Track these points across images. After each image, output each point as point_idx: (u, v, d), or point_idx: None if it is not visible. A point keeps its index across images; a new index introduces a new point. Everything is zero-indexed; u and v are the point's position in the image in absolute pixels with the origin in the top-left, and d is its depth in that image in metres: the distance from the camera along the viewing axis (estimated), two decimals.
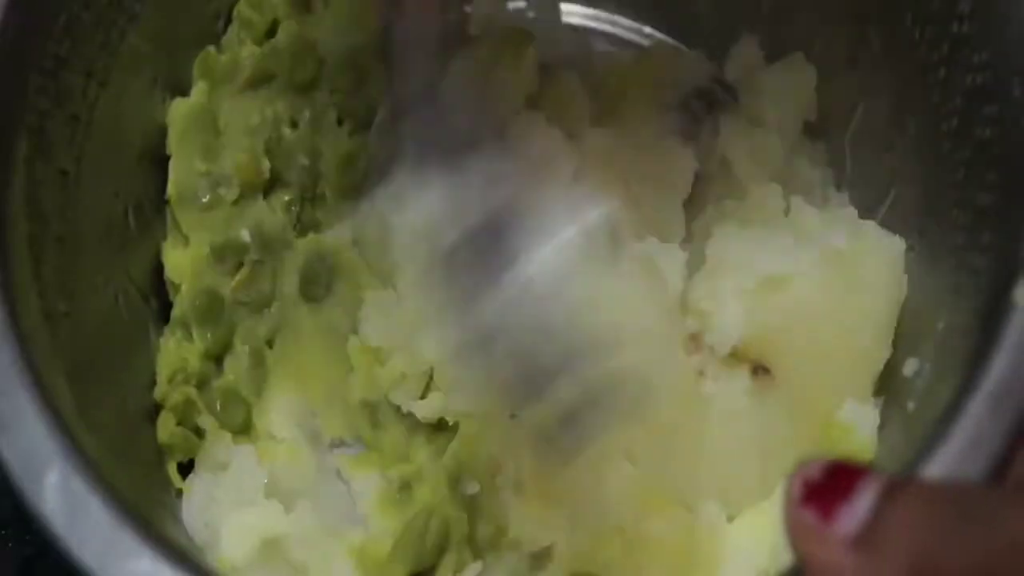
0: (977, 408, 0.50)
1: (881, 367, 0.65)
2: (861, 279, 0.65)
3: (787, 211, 0.69)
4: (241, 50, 0.71)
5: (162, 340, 0.70)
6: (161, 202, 0.71)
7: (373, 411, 0.69)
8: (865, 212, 0.69)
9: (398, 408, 0.69)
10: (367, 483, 0.68)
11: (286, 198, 0.72)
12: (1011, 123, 0.56)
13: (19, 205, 0.58)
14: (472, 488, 0.65)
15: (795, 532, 0.42)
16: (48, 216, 0.61)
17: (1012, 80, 0.56)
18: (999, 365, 0.51)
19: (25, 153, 0.59)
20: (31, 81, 0.60)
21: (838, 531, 0.41)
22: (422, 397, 0.69)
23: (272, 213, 0.71)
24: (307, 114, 0.72)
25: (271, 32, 0.73)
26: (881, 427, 0.63)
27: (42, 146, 0.61)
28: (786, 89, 0.73)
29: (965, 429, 0.50)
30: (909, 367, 0.62)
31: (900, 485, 0.41)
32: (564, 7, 0.80)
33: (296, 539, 0.64)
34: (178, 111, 0.71)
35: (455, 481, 0.65)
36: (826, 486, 0.42)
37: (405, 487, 0.67)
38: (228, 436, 0.69)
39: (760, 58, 0.75)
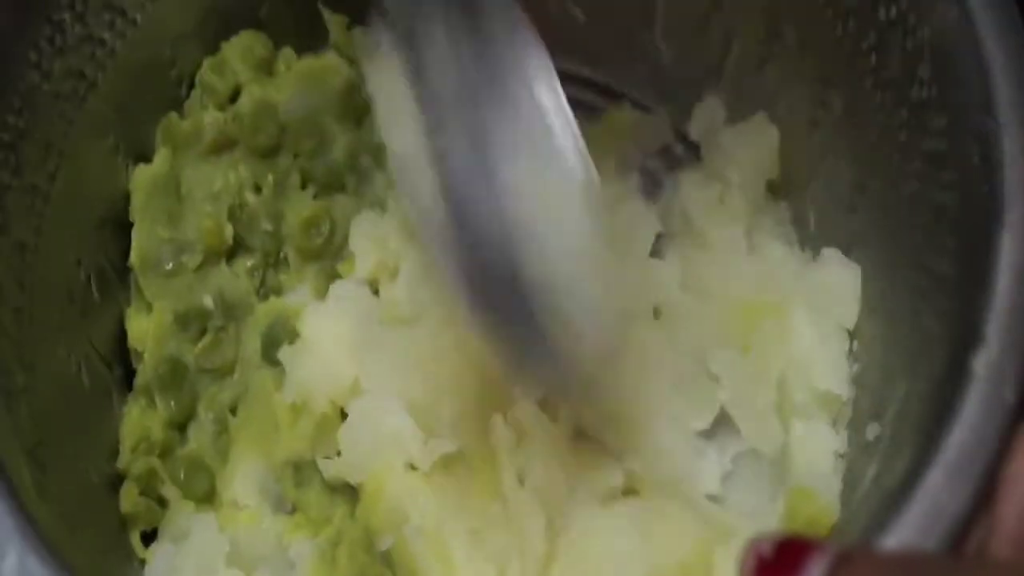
0: (935, 478, 0.50)
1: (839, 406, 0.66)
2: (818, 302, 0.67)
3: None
4: (204, 115, 0.71)
5: (126, 408, 0.70)
6: (124, 268, 0.71)
7: (297, 471, 0.68)
8: None
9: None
10: (302, 547, 0.67)
11: (249, 263, 0.72)
12: (968, 189, 0.56)
13: None
14: (387, 543, 0.64)
15: None
16: (5, 288, 0.60)
17: (970, 147, 0.56)
18: (957, 436, 0.50)
19: None
20: None
21: None
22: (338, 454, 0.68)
23: (235, 278, 0.71)
24: (270, 179, 0.72)
25: (234, 97, 0.73)
26: (844, 491, 0.63)
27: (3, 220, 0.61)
28: (749, 148, 0.73)
29: (922, 501, 0.49)
30: (871, 431, 0.62)
31: (851, 557, 0.41)
32: None
33: None
34: (141, 177, 0.71)
35: (369, 540, 0.64)
36: (777, 562, 0.43)
37: (330, 550, 0.66)
38: (191, 505, 0.68)
39: (723, 118, 0.75)
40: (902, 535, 0.49)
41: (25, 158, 0.62)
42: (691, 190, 0.73)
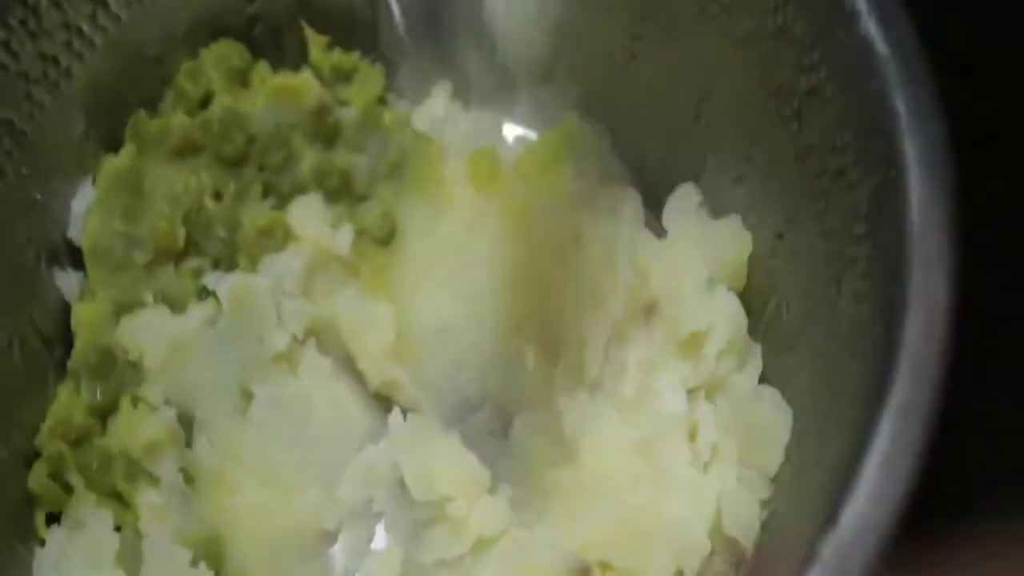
0: None
1: None
2: None
3: None
4: (173, 118, 0.72)
5: (59, 389, 0.71)
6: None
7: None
8: None
9: None
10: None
11: (195, 265, 0.72)
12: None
13: None
14: None
15: None
16: None
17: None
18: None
19: None
20: None
21: None
22: None
23: (179, 279, 0.72)
24: (232, 188, 0.72)
25: (206, 103, 0.73)
26: None
27: None
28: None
29: None
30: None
31: None
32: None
33: None
34: (106, 168, 0.71)
35: None
36: None
37: None
38: (93, 497, 0.68)
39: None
40: None
41: None
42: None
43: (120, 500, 0.69)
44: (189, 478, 0.69)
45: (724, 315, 0.67)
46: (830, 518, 0.49)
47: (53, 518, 0.69)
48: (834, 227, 0.60)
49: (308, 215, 0.73)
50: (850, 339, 0.58)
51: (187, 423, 0.70)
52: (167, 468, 0.68)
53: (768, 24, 0.63)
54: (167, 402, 0.70)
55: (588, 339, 0.68)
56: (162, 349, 0.70)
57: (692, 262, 0.68)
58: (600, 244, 0.71)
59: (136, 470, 0.68)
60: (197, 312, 0.71)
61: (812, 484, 0.57)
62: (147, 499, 0.67)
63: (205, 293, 0.72)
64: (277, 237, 0.73)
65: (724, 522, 0.63)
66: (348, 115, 0.75)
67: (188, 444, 0.70)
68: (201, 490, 0.69)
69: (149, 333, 0.70)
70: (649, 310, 0.68)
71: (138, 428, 0.68)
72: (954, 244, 0.53)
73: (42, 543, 0.69)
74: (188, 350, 0.71)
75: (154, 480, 0.68)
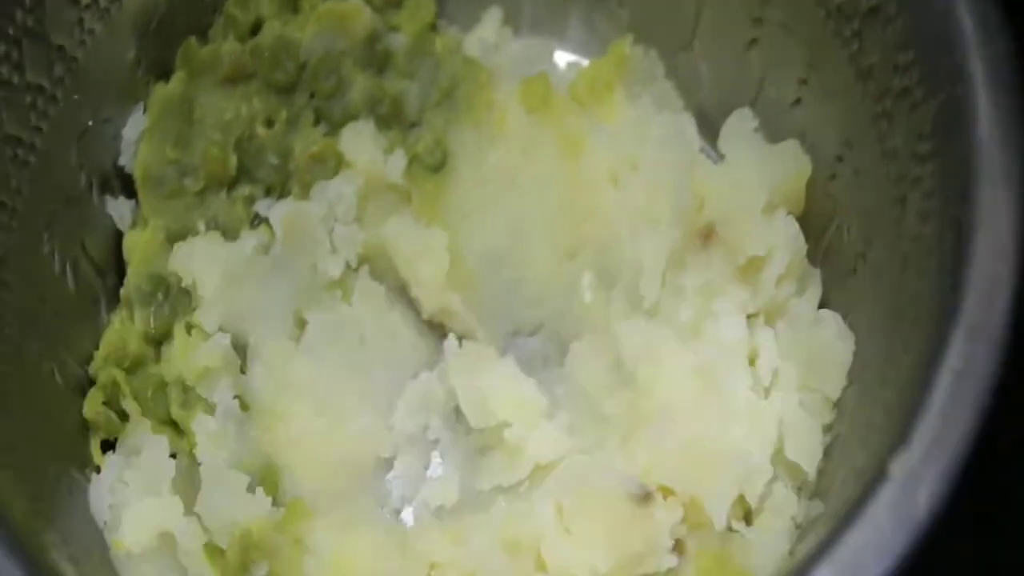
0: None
1: None
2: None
3: None
4: (223, 45, 0.71)
5: (112, 316, 0.71)
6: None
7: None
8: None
9: None
10: None
11: (247, 192, 0.72)
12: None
13: None
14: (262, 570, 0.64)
15: None
16: None
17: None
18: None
19: None
20: None
21: None
22: None
23: (231, 207, 0.72)
24: (284, 114, 0.72)
25: (256, 30, 0.72)
26: None
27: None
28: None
29: None
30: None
31: None
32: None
33: (182, 542, 0.65)
34: (157, 95, 0.71)
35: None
36: None
37: None
38: (148, 424, 0.69)
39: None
40: None
41: (29, 57, 0.63)
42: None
43: (175, 427, 0.69)
44: (244, 405, 0.69)
45: (783, 240, 0.66)
46: (900, 438, 0.49)
47: (108, 446, 0.70)
48: (897, 147, 0.59)
49: (360, 141, 0.72)
50: (915, 259, 0.57)
51: (241, 350, 0.70)
52: (222, 394, 0.68)
53: None
54: (221, 329, 0.70)
55: (645, 264, 0.68)
56: (216, 276, 0.70)
57: (750, 187, 0.67)
58: (655, 169, 0.70)
59: (191, 397, 0.68)
60: (250, 239, 0.71)
61: (877, 407, 0.56)
62: (203, 426, 0.68)
63: (257, 220, 0.72)
64: (329, 164, 0.72)
65: (786, 447, 0.63)
66: (399, 41, 0.74)
67: (243, 371, 0.70)
68: (256, 417, 0.69)
69: (202, 260, 0.70)
70: (707, 235, 0.67)
71: (193, 355, 0.68)
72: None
73: (97, 470, 0.69)
74: (241, 277, 0.70)
75: (209, 407, 0.68)
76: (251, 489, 0.66)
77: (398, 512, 0.70)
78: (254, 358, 0.70)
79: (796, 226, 0.67)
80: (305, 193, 0.72)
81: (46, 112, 0.65)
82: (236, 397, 0.69)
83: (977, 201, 0.52)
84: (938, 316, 0.52)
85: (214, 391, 0.68)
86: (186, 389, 0.68)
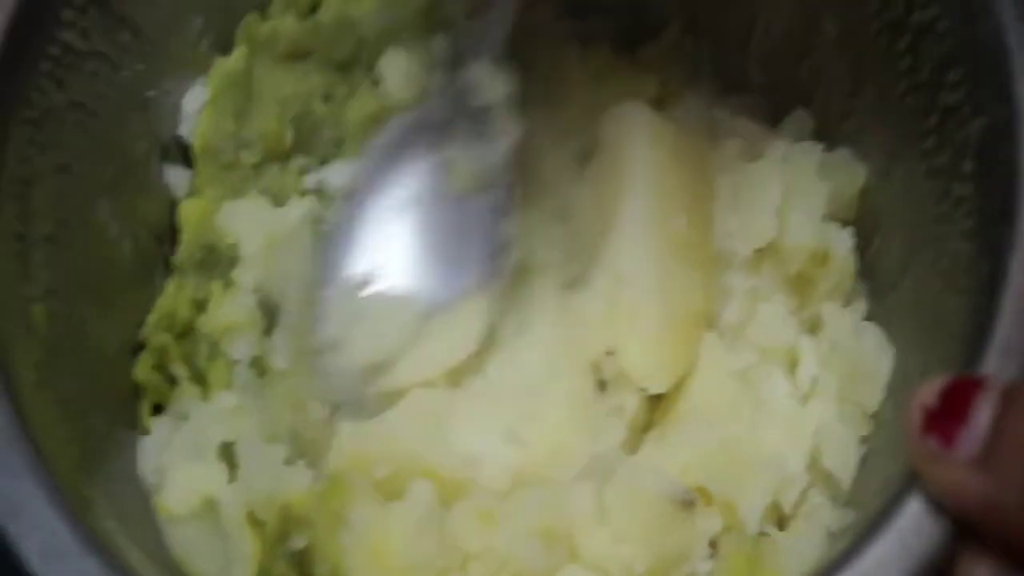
0: None
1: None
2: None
3: None
4: (283, 21, 0.72)
5: (167, 283, 0.72)
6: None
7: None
8: None
9: None
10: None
11: (301, 164, 0.73)
12: None
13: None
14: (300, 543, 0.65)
15: (918, 459, 0.46)
16: (51, 145, 0.62)
17: None
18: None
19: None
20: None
21: (959, 455, 0.44)
22: None
23: (283, 177, 0.73)
24: (343, 90, 0.73)
25: (316, 7, 0.73)
26: None
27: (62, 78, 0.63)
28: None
29: None
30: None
31: (1016, 394, 0.43)
32: None
33: (225, 510, 0.65)
34: (219, 69, 0.72)
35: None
36: (944, 410, 0.45)
37: None
38: (197, 390, 0.70)
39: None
40: None
41: (95, 24, 0.64)
42: None
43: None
44: (262, 369, 0.70)
45: (836, 252, 0.67)
46: None
47: (158, 410, 0.71)
48: (942, 164, 0.60)
49: None
50: (954, 276, 0.57)
51: (272, 314, 0.71)
52: (241, 351, 0.69)
53: None
54: (256, 290, 0.70)
55: None
56: (258, 237, 0.71)
57: (803, 193, 0.68)
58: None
59: (215, 351, 0.70)
60: (298, 207, 0.72)
61: None
62: (224, 402, 0.69)
63: (307, 192, 0.73)
64: (381, 126, 0.72)
65: (822, 456, 0.63)
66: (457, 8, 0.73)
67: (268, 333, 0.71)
68: (273, 382, 0.69)
69: (247, 220, 0.71)
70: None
71: (221, 310, 0.70)
72: None
73: (147, 432, 0.70)
74: (284, 242, 0.71)
75: (229, 363, 0.69)
76: (290, 462, 0.67)
77: None
78: (282, 323, 0.70)
79: (850, 240, 0.67)
80: (357, 153, 0.73)
81: (110, 79, 0.66)
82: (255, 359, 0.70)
83: (1017, 222, 0.53)
84: (973, 334, 0.52)
85: (236, 347, 0.69)
86: (212, 344, 0.69)
